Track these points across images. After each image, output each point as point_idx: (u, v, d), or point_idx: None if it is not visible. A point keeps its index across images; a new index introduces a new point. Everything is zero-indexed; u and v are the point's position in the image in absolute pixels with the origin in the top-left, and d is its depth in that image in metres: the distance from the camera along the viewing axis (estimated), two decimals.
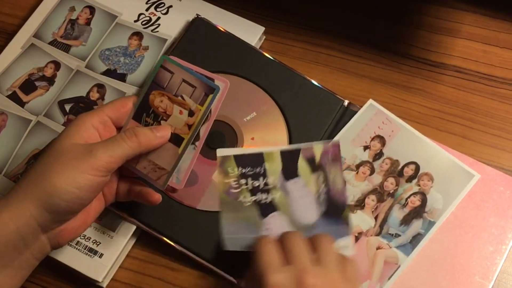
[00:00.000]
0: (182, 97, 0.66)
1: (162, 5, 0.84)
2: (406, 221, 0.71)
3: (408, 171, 0.73)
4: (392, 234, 0.70)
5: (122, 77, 0.80)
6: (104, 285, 0.71)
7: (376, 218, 0.71)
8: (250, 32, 0.81)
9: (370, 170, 0.73)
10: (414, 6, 0.84)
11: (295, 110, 0.76)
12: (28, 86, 0.80)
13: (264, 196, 0.71)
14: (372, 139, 0.75)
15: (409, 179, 0.73)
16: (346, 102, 0.77)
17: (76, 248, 0.71)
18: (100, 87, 0.79)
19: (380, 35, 0.83)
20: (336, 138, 0.75)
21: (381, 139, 0.74)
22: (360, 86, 0.80)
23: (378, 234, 0.71)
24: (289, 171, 0.72)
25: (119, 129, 0.66)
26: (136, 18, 0.83)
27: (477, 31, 0.83)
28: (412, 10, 0.84)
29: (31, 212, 0.58)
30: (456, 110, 0.78)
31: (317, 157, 0.71)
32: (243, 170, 0.72)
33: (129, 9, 0.84)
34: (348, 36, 0.83)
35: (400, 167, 0.73)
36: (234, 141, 0.75)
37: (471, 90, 0.79)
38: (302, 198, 0.71)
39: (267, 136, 0.75)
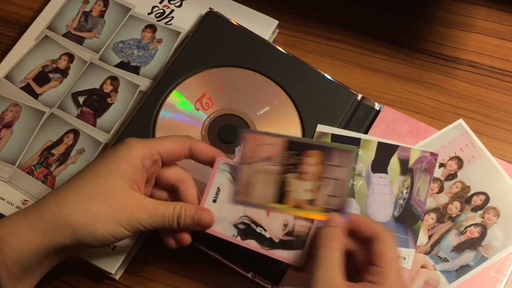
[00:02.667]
0: (323, 185, 0.61)
1: None
2: (459, 249, 0.70)
3: (477, 200, 0.71)
4: (441, 258, 0.69)
5: (135, 70, 0.80)
6: (117, 277, 0.71)
7: (430, 237, 0.70)
8: (264, 26, 0.81)
9: (439, 189, 0.72)
10: (428, 1, 0.84)
11: (308, 104, 0.76)
12: (42, 78, 0.80)
13: None
14: (450, 158, 0.73)
15: (475, 209, 0.71)
16: (359, 97, 0.77)
17: None
18: (114, 79, 0.80)
19: (393, 29, 0.83)
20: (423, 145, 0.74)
21: (459, 161, 0.73)
22: (373, 81, 0.80)
23: (427, 252, 0.70)
24: (380, 164, 0.72)
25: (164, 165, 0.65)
26: (149, 11, 0.83)
27: (492, 26, 0.82)
28: (426, 4, 0.84)
29: (64, 239, 0.59)
30: (470, 105, 0.78)
31: (411, 161, 0.72)
32: None
33: (142, 2, 0.84)
34: (361, 30, 0.83)
35: (469, 194, 0.72)
36: None
37: (486, 85, 0.79)
38: (382, 195, 0.71)
39: (280, 130, 0.75)
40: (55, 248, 0.59)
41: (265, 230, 0.63)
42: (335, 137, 0.73)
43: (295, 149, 0.61)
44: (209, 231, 0.64)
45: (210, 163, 0.65)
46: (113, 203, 0.60)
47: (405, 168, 0.72)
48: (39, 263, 0.60)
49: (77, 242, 0.59)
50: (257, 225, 0.63)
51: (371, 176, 0.72)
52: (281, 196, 0.62)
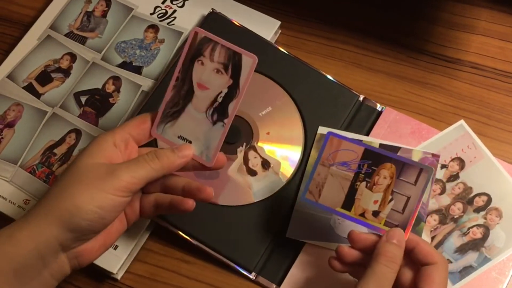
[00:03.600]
0: (391, 199, 0.61)
1: None
2: (462, 250, 0.70)
3: (479, 201, 0.71)
4: None
5: (137, 70, 0.80)
6: (119, 277, 0.71)
7: (432, 238, 0.70)
8: (266, 26, 0.81)
9: (441, 190, 0.72)
10: (431, 2, 0.84)
11: (310, 105, 0.76)
12: (44, 77, 0.80)
13: None
14: (452, 159, 0.73)
15: (477, 210, 0.71)
16: (361, 97, 0.77)
17: None
18: (116, 79, 0.80)
19: (396, 30, 0.83)
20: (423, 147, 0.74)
21: (461, 162, 0.73)
22: (375, 81, 0.80)
23: None
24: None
25: (140, 147, 0.65)
26: (152, 11, 0.83)
27: (494, 27, 0.82)
28: (428, 5, 0.84)
29: (51, 231, 0.57)
30: (472, 106, 0.78)
31: None
32: None
33: (145, 2, 0.84)
34: (363, 31, 0.83)
35: (472, 195, 0.72)
36: (249, 135, 0.75)
37: (487, 87, 0.79)
38: None
39: (282, 130, 0.75)
40: (44, 246, 0.57)
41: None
42: None
43: (371, 159, 0.62)
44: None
45: None
46: (87, 178, 0.59)
47: None
48: (33, 268, 0.57)
49: (66, 229, 0.57)
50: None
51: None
52: (350, 203, 0.62)
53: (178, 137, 0.63)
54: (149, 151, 0.62)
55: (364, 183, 0.62)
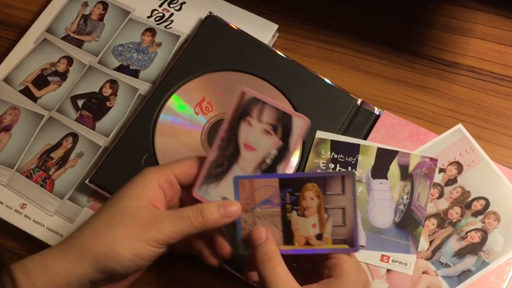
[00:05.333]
0: (327, 216, 0.59)
1: (175, 1, 0.83)
2: (460, 254, 0.70)
3: (477, 205, 0.71)
4: (442, 263, 0.69)
5: (134, 73, 0.80)
6: None
7: (431, 242, 0.70)
8: (264, 30, 0.81)
9: (439, 194, 0.72)
10: (428, 6, 0.84)
11: (308, 109, 0.76)
12: (41, 81, 0.80)
13: None
14: (450, 163, 0.73)
15: (475, 214, 0.71)
16: (359, 101, 0.77)
17: None
18: (113, 83, 0.79)
19: (394, 34, 0.83)
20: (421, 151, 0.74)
21: (459, 166, 0.73)
22: (373, 85, 0.80)
23: (428, 258, 0.70)
24: (380, 170, 0.72)
25: (184, 188, 0.63)
26: (149, 14, 0.83)
27: (492, 31, 0.82)
28: (426, 9, 0.84)
29: (85, 269, 0.57)
30: (470, 110, 0.78)
31: (411, 167, 0.72)
32: (335, 156, 0.73)
33: (142, 5, 0.83)
34: (361, 34, 0.83)
35: (470, 199, 0.72)
36: None
37: (485, 90, 0.79)
38: (382, 201, 0.71)
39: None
40: (77, 282, 0.57)
41: None
42: (334, 143, 0.73)
43: (290, 186, 0.58)
44: None
45: None
46: (129, 222, 0.58)
47: (405, 174, 0.72)
48: None
49: (100, 270, 0.57)
50: None
51: (371, 182, 0.72)
52: (289, 237, 0.59)
53: (222, 199, 0.61)
54: (195, 207, 0.59)
55: (294, 212, 0.58)
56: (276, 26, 0.82)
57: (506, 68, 0.80)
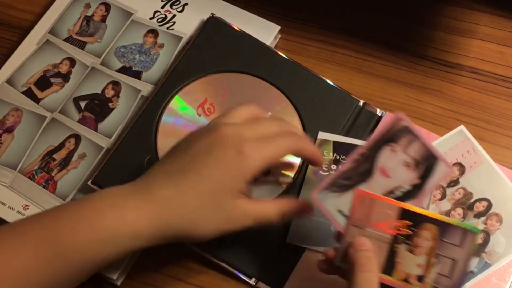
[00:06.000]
0: (436, 262, 0.56)
1: (178, 2, 0.84)
2: None
3: (479, 206, 0.71)
4: None
5: (137, 75, 0.80)
6: (119, 283, 0.71)
7: None
8: (266, 31, 0.81)
9: (441, 195, 0.72)
10: (430, 7, 0.84)
11: (310, 110, 0.76)
12: (43, 82, 0.80)
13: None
14: (452, 165, 0.73)
15: (478, 215, 0.71)
16: (361, 102, 0.77)
17: None
18: (115, 84, 0.80)
19: (395, 35, 0.83)
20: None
21: (461, 167, 0.73)
22: (375, 86, 0.80)
23: None
24: None
25: None
26: (151, 16, 0.83)
27: (494, 32, 0.82)
28: (428, 10, 0.84)
29: (173, 231, 0.60)
30: (472, 111, 0.78)
31: None
32: (338, 157, 0.73)
33: (144, 6, 0.84)
34: (363, 35, 0.83)
35: (472, 200, 0.71)
36: None
37: (487, 92, 0.79)
38: None
39: None
40: (164, 231, 0.60)
41: None
42: (336, 144, 0.73)
43: (409, 219, 0.57)
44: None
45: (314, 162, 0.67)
46: (221, 215, 0.61)
47: None
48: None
49: (185, 236, 0.61)
50: None
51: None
52: (390, 267, 0.57)
53: (338, 211, 0.60)
54: (278, 208, 0.64)
55: (404, 245, 0.57)
56: (278, 27, 0.82)
57: (508, 69, 0.80)
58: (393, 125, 0.60)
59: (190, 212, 0.60)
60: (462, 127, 0.75)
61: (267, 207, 0.63)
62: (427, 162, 0.60)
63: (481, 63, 0.81)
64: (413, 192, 0.60)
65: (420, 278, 0.56)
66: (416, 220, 0.57)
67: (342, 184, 0.60)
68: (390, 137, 0.60)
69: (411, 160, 0.60)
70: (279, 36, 0.83)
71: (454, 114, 0.78)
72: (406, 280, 0.57)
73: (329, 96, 0.77)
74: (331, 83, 0.78)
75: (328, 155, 0.73)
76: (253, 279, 0.70)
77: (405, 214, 0.57)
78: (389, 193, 0.60)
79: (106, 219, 0.59)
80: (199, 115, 0.76)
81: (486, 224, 0.70)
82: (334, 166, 0.73)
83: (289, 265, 0.70)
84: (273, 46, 0.82)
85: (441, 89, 0.79)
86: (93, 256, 0.59)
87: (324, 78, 0.78)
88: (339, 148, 0.73)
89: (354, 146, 0.73)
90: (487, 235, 0.70)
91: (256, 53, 0.79)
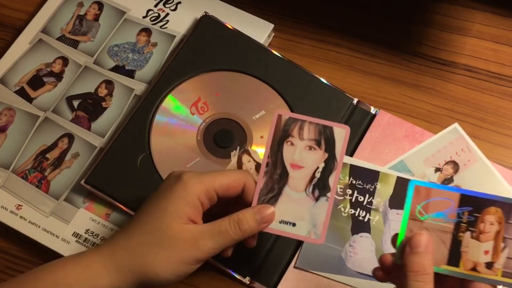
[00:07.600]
0: (504, 246, 0.54)
1: (171, 1, 0.83)
2: None
3: None
4: None
5: (130, 74, 0.80)
6: None
7: None
8: (259, 29, 0.81)
9: None
10: (425, 4, 0.84)
11: (303, 108, 0.76)
12: (36, 81, 0.80)
13: (363, 213, 0.70)
14: (446, 163, 0.73)
15: None
16: (355, 100, 0.77)
17: (85, 245, 0.71)
18: (108, 83, 0.79)
19: (389, 33, 0.83)
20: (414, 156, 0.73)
21: (455, 166, 0.73)
22: (369, 84, 0.80)
23: None
24: (398, 200, 0.71)
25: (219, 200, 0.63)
26: (144, 14, 0.83)
27: (488, 30, 0.82)
28: (422, 8, 0.84)
29: (127, 284, 0.59)
30: (466, 109, 0.78)
31: None
32: (353, 182, 0.72)
33: (137, 5, 0.83)
34: (357, 33, 0.83)
35: None
36: (243, 139, 0.74)
37: (481, 89, 0.79)
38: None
39: None
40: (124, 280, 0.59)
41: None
42: (353, 168, 0.72)
43: (471, 205, 0.55)
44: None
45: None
46: (171, 246, 0.59)
47: None
48: None
49: (140, 286, 0.60)
50: None
51: (388, 212, 0.71)
52: (456, 258, 0.55)
53: (280, 222, 0.61)
54: (231, 219, 0.60)
55: (468, 233, 0.55)
56: (272, 25, 0.81)
57: (502, 67, 0.80)
58: (278, 124, 0.62)
59: (136, 246, 0.60)
60: (456, 125, 0.75)
61: (221, 221, 0.60)
62: (324, 135, 0.61)
63: (475, 61, 0.80)
64: (329, 166, 0.61)
65: (489, 265, 0.55)
66: (478, 205, 0.55)
67: (268, 198, 0.61)
68: (283, 134, 0.62)
69: (310, 142, 0.61)
70: (273, 34, 0.83)
71: (448, 112, 0.78)
72: (474, 269, 0.55)
73: (323, 94, 0.77)
74: (325, 81, 0.77)
75: (344, 178, 0.72)
76: (247, 278, 0.70)
77: (465, 199, 0.56)
78: (311, 179, 0.61)
79: (68, 273, 0.59)
80: (193, 114, 0.75)
81: None
82: (349, 191, 0.72)
83: (284, 264, 0.70)
84: (267, 45, 0.82)
85: (435, 87, 0.79)
86: None
87: (318, 76, 0.78)
88: (355, 172, 0.72)
89: (370, 172, 0.72)
90: None
91: (249, 52, 0.78)
